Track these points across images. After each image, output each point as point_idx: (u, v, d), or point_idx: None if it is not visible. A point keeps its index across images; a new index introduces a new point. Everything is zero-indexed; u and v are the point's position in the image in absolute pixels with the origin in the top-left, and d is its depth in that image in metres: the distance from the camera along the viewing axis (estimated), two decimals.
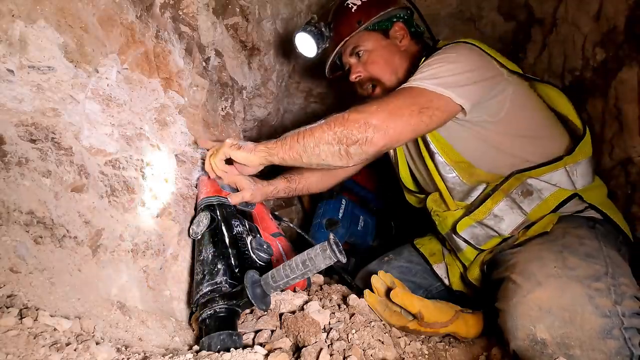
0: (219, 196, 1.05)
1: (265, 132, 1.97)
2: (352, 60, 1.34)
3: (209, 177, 1.09)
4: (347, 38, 1.30)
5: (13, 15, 0.63)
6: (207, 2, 1.16)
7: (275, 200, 2.33)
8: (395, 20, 1.31)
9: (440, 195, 1.26)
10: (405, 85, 1.06)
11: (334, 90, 2.27)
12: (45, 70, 0.68)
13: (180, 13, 1.06)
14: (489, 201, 1.11)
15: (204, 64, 1.17)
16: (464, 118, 1.09)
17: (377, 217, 2.00)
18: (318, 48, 1.38)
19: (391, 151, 1.46)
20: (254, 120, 1.81)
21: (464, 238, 1.17)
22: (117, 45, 0.82)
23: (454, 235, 1.20)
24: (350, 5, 1.32)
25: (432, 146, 1.19)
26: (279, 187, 1.32)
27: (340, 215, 1.76)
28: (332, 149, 0.98)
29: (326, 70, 1.45)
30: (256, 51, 1.49)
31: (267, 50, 1.55)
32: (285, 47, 1.71)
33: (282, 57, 1.74)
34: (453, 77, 1.04)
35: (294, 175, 1.37)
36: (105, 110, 0.80)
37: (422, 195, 1.41)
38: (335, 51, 1.35)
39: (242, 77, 1.44)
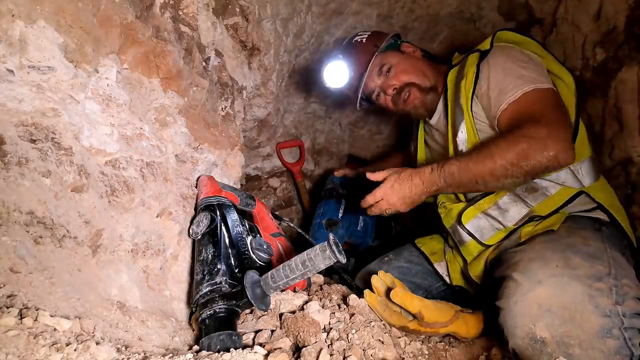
0: (219, 196, 1.05)
1: (265, 132, 1.97)
2: (380, 80, 1.41)
3: (209, 176, 1.09)
4: (373, 58, 1.38)
5: (13, 15, 0.63)
6: (207, 2, 1.15)
7: (276, 200, 2.33)
8: (399, 42, 1.47)
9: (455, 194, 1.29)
10: (518, 95, 1.08)
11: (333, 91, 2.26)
12: (45, 70, 0.68)
13: (180, 13, 1.06)
14: (493, 195, 1.15)
15: (203, 64, 1.17)
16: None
17: (377, 217, 2.00)
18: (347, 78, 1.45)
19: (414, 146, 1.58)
20: (254, 120, 1.81)
21: (468, 230, 1.18)
22: (117, 45, 0.82)
23: (458, 227, 1.21)
24: (359, 39, 1.46)
25: (464, 148, 1.21)
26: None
27: (340, 215, 1.76)
28: None
29: (357, 104, 1.51)
30: (256, 51, 1.48)
31: (267, 50, 1.54)
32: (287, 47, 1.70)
33: (282, 57, 1.74)
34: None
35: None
36: (105, 110, 0.80)
37: None
38: (362, 76, 1.40)
39: (242, 77, 1.43)
